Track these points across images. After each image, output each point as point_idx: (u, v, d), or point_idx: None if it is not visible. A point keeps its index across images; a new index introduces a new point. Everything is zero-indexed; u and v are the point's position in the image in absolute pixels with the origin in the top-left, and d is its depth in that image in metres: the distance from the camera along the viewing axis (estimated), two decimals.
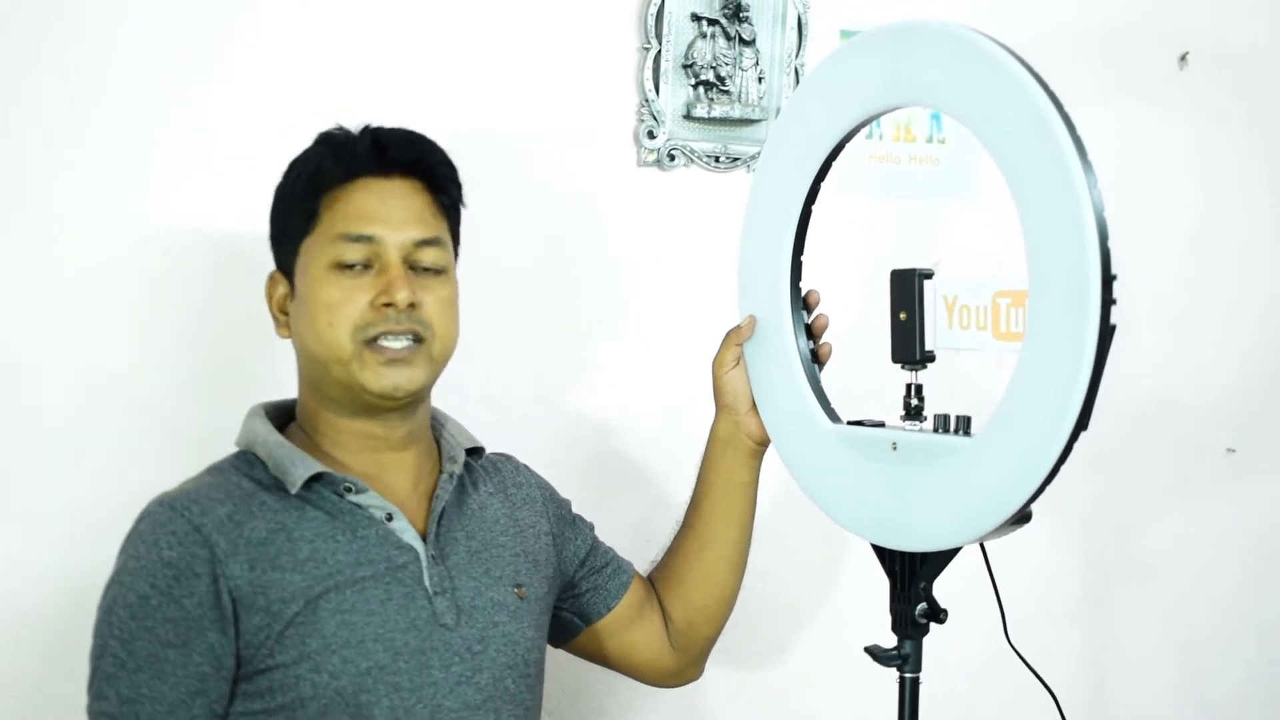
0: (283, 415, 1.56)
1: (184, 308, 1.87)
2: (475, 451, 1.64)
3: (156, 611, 1.34)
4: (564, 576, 1.69)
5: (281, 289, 1.52)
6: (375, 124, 1.53)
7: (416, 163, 1.52)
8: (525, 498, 1.67)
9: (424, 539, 1.48)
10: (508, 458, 1.73)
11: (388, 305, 1.44)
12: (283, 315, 1.52)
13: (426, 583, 1.46)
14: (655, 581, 1.77)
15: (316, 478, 1.44)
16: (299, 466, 1.44)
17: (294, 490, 1.43)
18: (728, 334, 1.66)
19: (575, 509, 1.76)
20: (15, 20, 1.79)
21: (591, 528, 1.76)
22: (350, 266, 1.45)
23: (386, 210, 1.48)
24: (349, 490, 1.45)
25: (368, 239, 1.46)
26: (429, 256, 1.50)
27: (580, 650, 1.75)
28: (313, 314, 1.46)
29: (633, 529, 1.84)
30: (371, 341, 1.45)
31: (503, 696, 1.49)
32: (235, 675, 1.37)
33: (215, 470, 1.48)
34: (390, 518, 1.46)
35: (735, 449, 1.68)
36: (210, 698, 1.36)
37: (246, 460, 1.48)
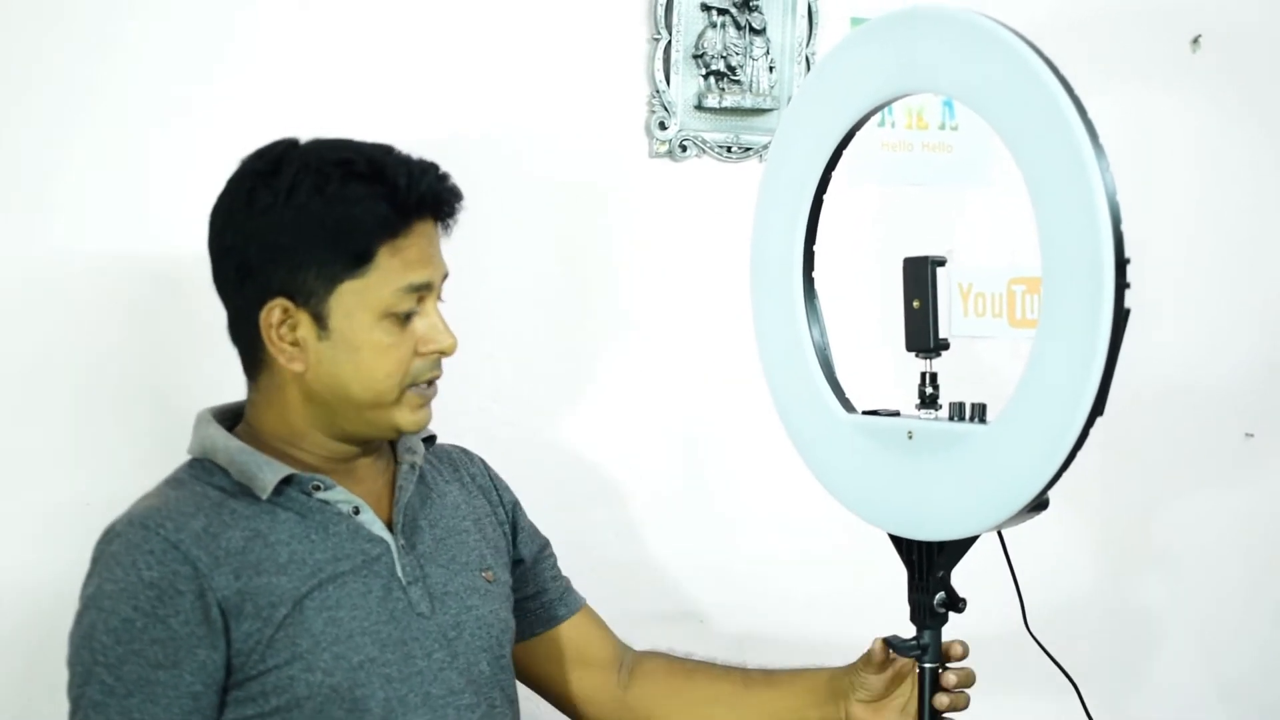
0: (229, 418, 1.52)
1: (182, 309, 1.87)
2: (428, 440, 1.64)
3: (143, 634, 1.32)
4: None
5: (292, 320, 1.42)
6: (420, 155, 1.47)
7: (449, 202, 1.49)
8: (480, 487, 1.68)
9: (391, 529, 1.49)
10: (461, 449, 1.73)
11: (438, 352, 1.46)
12: (292, 347, 1.43)
13: (399, 573, 1.47)
14: (650, 671, 1.74)
15: (285, 480, 1.44)
16: (266, 471, 1.42)
17: (265, 496, 1.42)
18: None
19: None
20: (12, 29, 1.80)
21: (543, 546, 1.74)
22: (406, 316, 1.44)
23: (432, 253, 1.47)
24: (317, 489, 1.45)
25: (425, 286, 1.45)
26: (443, 289, 1.51)
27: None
28: (363, 360, 1.42)
29: (647, 520, 1.83)
30: (412, 385, 1.45)
31: (481, 680, 1.51)
32: (226, 685, 1.37)
33: (175, 483, 1.46)
34: (357, 511, 1.47)
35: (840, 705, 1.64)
36: (204, 715, 1.35)
37: (205, 468, 1.46)
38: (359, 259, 1.41)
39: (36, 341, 1.83)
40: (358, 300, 1.41)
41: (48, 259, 1.83)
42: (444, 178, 1.47)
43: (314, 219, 1.40)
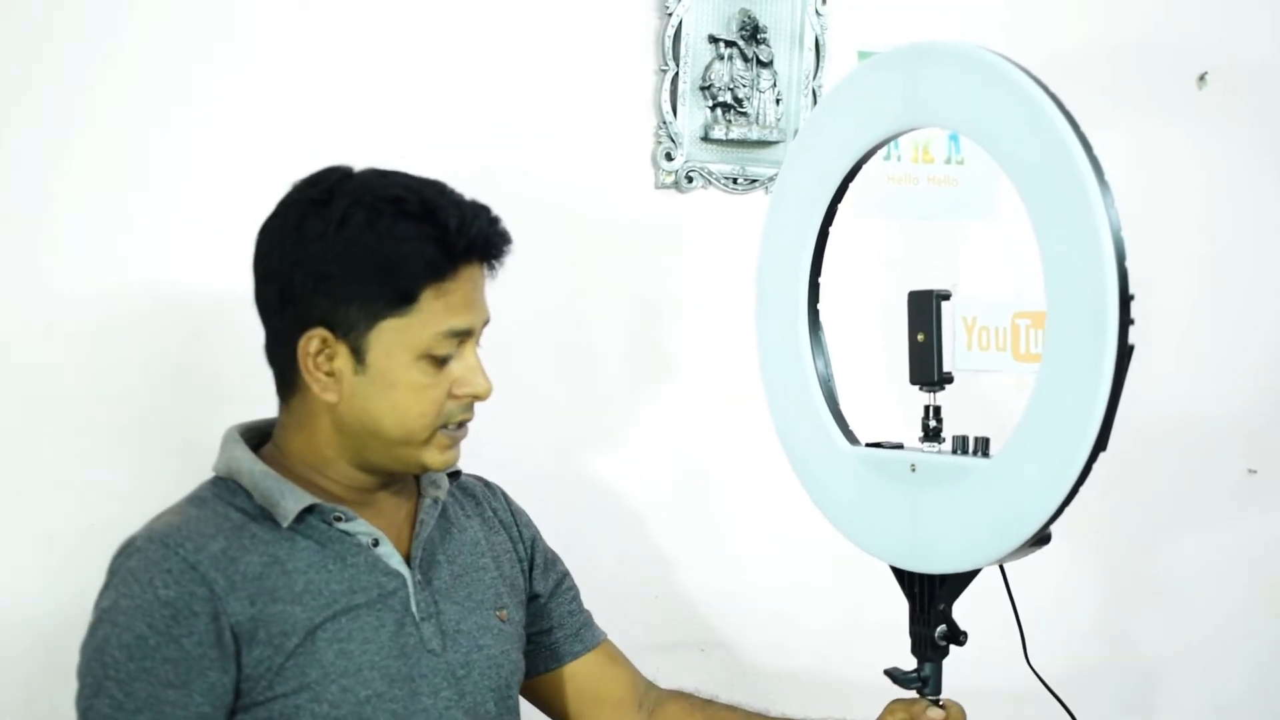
0: (256, 436, 1.52)
1: (185, 334, 1.88)
2: (452, 474, 1.62)
3: (155, 652, 1.32)
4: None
5: (330, 350, 1.41)
6: (472, 198, 1.45)
7: (498, 246, 1.47)
8: (501, 522, 1.66)
9: (409, 563, 1.48)
10: (483, 482, 1.71)
11: (472, 396, 1.45)
12: (327, 377, 1.42)
13: (414, 608, 1.45)
14: (672, 716, 1.72)
15: (307, 508, 1.43)
16: (289, 499, 1.42)
17: (286, 524, 1.41)
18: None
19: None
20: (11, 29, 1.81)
21: (561, 579, 1.72)
22: (443, 359, 1.43)
23: (475, 298, 1.45)
24: (338, 519, 1.44)
25: (466, 332, 1.44)
26: (482, 334, 1.49)
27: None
28: (398, 398, 1.41)
29: (650, 549, 1.83)
30: (443, 426, 1.45)
31: None
32: (233, 708, 1.36)
33: (198, 501, 1.45)
34: (376, 543, 1.46)
35: None
36: None
37: (228, 488, 1.45)
38: (403, 298, 1.39)
39: (37, 366, 1.83)
40: (398, 339, 1.40)
41: (45, 281, 1.84)
42: (495, 221, 1.45)
43: (362, 253, 1.38)
